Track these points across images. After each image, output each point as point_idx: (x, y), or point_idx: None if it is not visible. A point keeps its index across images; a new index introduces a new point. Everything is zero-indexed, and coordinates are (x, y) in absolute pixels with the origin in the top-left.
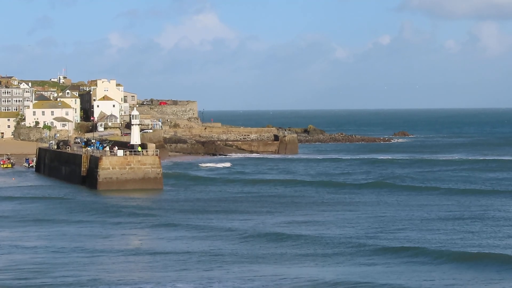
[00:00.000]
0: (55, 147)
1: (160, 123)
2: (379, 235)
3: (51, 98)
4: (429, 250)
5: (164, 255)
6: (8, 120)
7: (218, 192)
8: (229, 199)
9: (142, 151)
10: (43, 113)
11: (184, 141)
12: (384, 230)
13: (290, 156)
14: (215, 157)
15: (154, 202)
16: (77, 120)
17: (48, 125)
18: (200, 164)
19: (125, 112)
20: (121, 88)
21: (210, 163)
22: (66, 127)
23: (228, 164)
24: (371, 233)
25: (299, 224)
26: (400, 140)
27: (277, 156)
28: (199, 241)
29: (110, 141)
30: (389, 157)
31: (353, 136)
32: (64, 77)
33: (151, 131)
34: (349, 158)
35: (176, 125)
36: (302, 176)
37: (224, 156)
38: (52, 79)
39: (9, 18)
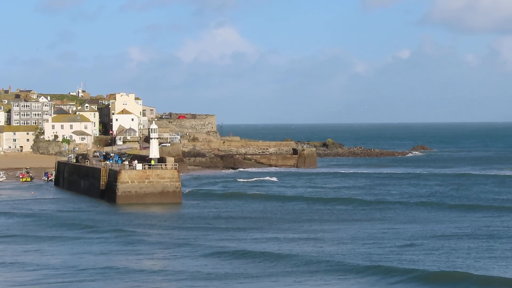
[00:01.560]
0: (74, 160)
1: (179, 136)
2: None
3: (70, 112)
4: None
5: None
6: (27, 133)
7: (243, 207)
8: (247, 215)
9: (161, 165)
10: (62, 126)
11: (203, 155)
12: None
13: (310, 170)
14: (252, 170)
15: (171, 218)
16: (96, 134)
17: (67, 138)
18: (238, 179)
19: (143, 126)
20: (140, 101)
21: (247, 178)
22: (85, 141)
23: (274, 179)
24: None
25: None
26: (418, 153)
27: (311, 170)
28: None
29: (129, 155)
30: (410, 171)
31: (372, 150)
32: (83, 91)
33: (169, 144)
34: (371, 172)
35: (195, 139)
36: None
37: (266, 170)
38: (71, 93)
39: (30, 33)
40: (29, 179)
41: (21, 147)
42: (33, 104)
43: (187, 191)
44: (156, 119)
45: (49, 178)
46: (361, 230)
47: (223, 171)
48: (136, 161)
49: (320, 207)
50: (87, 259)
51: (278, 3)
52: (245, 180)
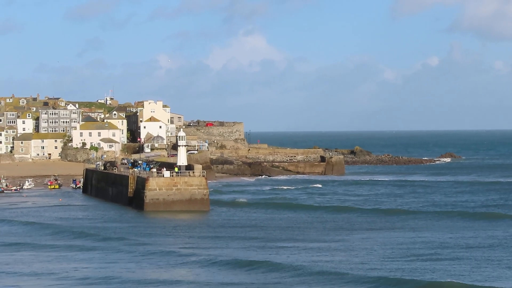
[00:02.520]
0: (102, 168)
1: (206, 144)
2: None
3: (98, 119)
4: None
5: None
6: (56, 141)
7: (264, 215)
8: (275, 224)
9: (189, 172)
10: (90, 134)
11: (231, 162)
12: None
13: (338, 178)
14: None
15: (199, 227)
16: (123, 141)
17: (95, 146)
18: (282, 187)
19: (171, 133)
20: (168, 109)
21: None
22: (113, 148)
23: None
24: None
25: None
26: (446, 161)
27: (339, 177)
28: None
29: (157, 162)
30: (438, 179)
31: (400, 158)
32: (111, 99)
33: (196, 152)
34: (399, 179)
35: (222, 146)
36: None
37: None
38: (99, 100)
39: (59, 40)
40: (57, 186)
41: (49, 154)
42: (61, 111)
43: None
44: (184, 127)
45: (77, 185)
46: (391, 239)
47: (251, 178)
48: (164, 169)
49: (348, 215)
50: (118, 270)
51: (307, 10)
52: (273, 188)
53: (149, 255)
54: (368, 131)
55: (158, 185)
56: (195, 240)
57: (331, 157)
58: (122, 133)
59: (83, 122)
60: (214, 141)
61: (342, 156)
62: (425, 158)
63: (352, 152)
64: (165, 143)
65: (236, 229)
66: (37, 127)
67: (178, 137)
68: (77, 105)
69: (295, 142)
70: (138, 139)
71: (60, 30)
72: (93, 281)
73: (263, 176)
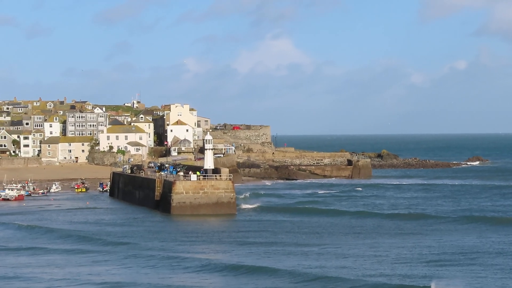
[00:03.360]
0: (129, 171)
1: (233, 147)
2: None
3: (125, 123)
4: None
5: None
6: (83, 144)
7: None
8: (304, 229)
9: (216, 176)
10: (117, 137)
11: (258, 166)
12: None
13: (365, 181)
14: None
15: (225, 231)
16: (150, 145)
17: (122, 149)
18: (309, 191)
19: (198, 137)
20: (195, 112)
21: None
22: (139, 152)
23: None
24: None
25: None
26: (473, 164)
27: (366, 181)
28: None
29: (184, 165)
30: (466, 182)
31: (427, 161)
32: (138, 102)
33: (223, 155)
34: (426, 183)
35: (249, 150)
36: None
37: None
38: (126, 104)
39: (88, 44)
40: (84, 190)
41: (76, 158)
42: (88, 115)
43: (243, 204)
44: (210, 130)
45: (104, 189)
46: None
47: (278, 182)
48: (191, 172)
49: (375, 220)
50: (146, 275)
51: (334, 14)
52: (301, 192)
53: (172, 259)
54: (395, 135)
55: (185, 189)
56: (220, 246)
57: (358, 161)
58: (149, 137)
59: (110, 126)
60: (241, 145)
61: (369, 160)
62: (453, 162)
63: (379, 156)
64: (192, 146)
65: (263, 233)
66: (64, 131)
67: (205, 141)
68: (104, 109)
69: (321, 146)
70: (165, 143)
71: (88, 34)
72: (118, 286)
73: (289, 180)
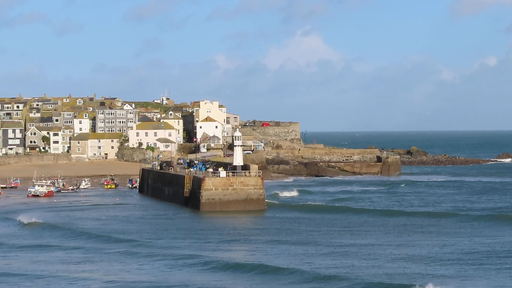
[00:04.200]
0: (158, 168)
1: (262, 144)
2: None
3: (154, 119)
4: None
5: None
6: (112, 141)
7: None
8: (336, 227)
9: (245, 172)
10: (146, 134)
11: (287, 162)
12: None
13: (394, 178)
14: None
15: (254, 229)
16: (180, 141)
17: (151, 146)
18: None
19: (227, 133)
20: (224, 109)
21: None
22: (169, 148)
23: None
24: None
25: None
26: (503, 161)
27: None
28: None
29: (213, 162)
30: (496, 180)
31: (457, 158)
32: (167, 99)
33: (252, 152)
34: (454, 180)
35: (278, 146)
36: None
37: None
38: (155, 101)
39: (118, 41)
40: (113, 186)
41: (106, 154)
42: (118, 111)
43: (272, 200)
44: (240, 127)
45: (134, 185)
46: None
47: (307, 178)
48: (221, 168)
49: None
50: (175, 276)
51: (365, 10)
52: (333, 190)
53: (199, 258)
54: (425, 131)
55: (214, 185)
56: (249, 245)
57: (388, 157)
58: (178, 133)
59: (140, 122)
60: (270, 141)
61: (398, 156)
62: (483, 159)
63: (409, 152)
64: (221, 143)
65: (293, 231)
66: (93, 127)
67: (234, 137)
68: (133, 105)
69: (350, 143)
70: (194, 139)
71: (118, 31)
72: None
73: (318, 177)
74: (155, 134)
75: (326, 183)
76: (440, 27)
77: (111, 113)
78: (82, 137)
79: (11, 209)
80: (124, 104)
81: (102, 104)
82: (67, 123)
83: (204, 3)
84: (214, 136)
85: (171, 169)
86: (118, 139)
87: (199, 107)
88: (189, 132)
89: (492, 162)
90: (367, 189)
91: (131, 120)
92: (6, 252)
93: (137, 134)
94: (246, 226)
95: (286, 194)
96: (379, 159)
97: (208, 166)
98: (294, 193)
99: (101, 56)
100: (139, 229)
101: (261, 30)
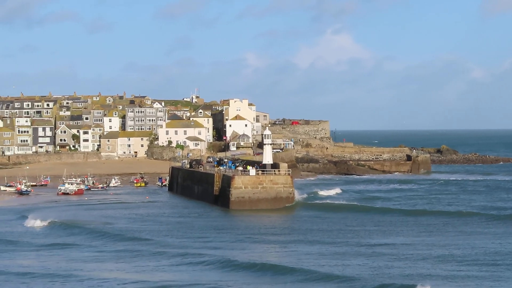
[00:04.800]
0: (188, 166)
1: (292, 142)
2: None
3: (184, 118)
4: None
5: None
6: (142, 139)
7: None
8: (371, 227)
9: (274, 171)
10: (176, 132)
11: (316, 161)
12: None
13: (424, 177)
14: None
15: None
16: (209, 140)
17: (181, 144)
18: (355, 186)
19: (257, 132)
20: (253, 107)
21: None
22: (198, 147)
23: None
24: None
25: None
26: None
27: (425, 177)
28: None
29: (242, 160)
30: None
31: (487, 157)
32: (197, 97)
33: (281, 150)
34: (486, 179)
35: (308, 145)
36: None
37: None
38: (185, 99)
39: (149, 39)
40: (143, 184)
41: (136, 152)
42: (148, 109)
43: (301, 196)
44: (269, 125)
45: (163, 184)
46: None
47: (336, 177)
48: (251, 167)
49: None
50: (206, 276)
51: (395, 8)
52: (363, 188)
53: (228, 261)
54: (456, 130)
55: (244, 183)
56: (278, 245)
57: (417, 156)
58: (208, 132)
59: (169, 121)
60: (299, 140)
61: (428, 155)
62: None
63: (439, 151)
64: (251, 141)
65: (322, 231)
66: (123, 125)
67: (263, 136)
68: (163, 103)
69: (380, 141)
70: (224, 138)
71: (149, 29)
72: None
73: (348, 175)
74: (185, 132)
75: (357, 181)
76: (471, 25)
77: (141, 112)
78: (112, 135)
79: (41, 207)
80: (154, 103)
81: (132, 102)
82: (97, 121)
83: (236, 2)
84: (243, 135)
85: (200, 167)
86: (147, 138)
87: (229, 105)
88: (219, 131)
89: None
90: (397, 187)
91: (161, 119)
92: (39, 250)
93: (167, 133)
94: (277, 225)
95: (324, 193)
96: (409, 157)
97: (237, 164)
98: (335, 191)
99: (132, 55)
100: (170, 228)
101: (292, 28)
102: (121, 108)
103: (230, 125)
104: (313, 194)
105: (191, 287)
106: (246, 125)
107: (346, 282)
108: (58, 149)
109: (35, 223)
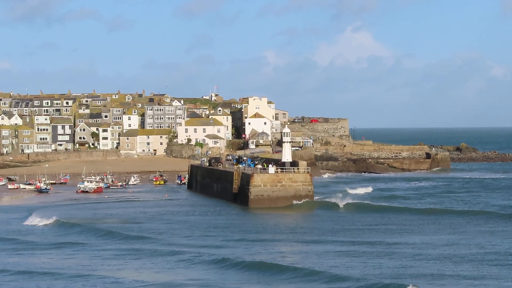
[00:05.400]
0: (207, 164)
1: (311, 140)
2: None
3: (203, 116)
4: None
5: None
6: (161, 137)
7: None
8: (391, 227)
9: (293, 169)
10: (195, 130)
11: (335, 159)
12: None
13: (444, 175)
14: None
15: (302, 227)
16: (228, 138)
17: (200, 142)
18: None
19: (276, 130)
20: (272, 105)
21: None
22: (217, 144)
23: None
24: None
25: None
26: None
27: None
28: None
29: (261, 158)
30: None
31: (507, 155)
32: (216, 95)
33: (300, 148)
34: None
35: (327, 143)
36: None
37: None
38: (204, 97)
39: (169, 37)
40: (162, 182)
41: (155, 150)
42: (167, 107)
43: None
44: (288, 123)
45: (182, 181)
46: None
47: (356, 175)
48: (271, 165)
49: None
50: (230, 277)
51: (415, 6)
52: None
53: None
54: (475, 128)
55: (263, 181)
56: (298, 245)
57: (437, 154)
58: (227, 129)
59: (188, 119)
60: (318, 138)
61: (447, 153)
62: None
63: (458, 149)
64: (270, 139)
65: (342, 231)
66: (142, 123)
67: (283, 134)
68: (182, 101)
69: (399, 139)
70: (243, 135)
71: (169, 27)
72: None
73: (367, 173)
74: (204, 130)
75: (378, 179)
76: (491, 23)
77: (160, 109)
78: (131, 133)
79: (60, 204)
80: (173, 100)
81: (151, 100)
82: (116, 119)
83: (254, 0)
84: (262, 133)
85: (219, 165)
86: (167, 135)
87: (248, 103)
88: (238, 129)
89: None
90: (417, 185)
91: (180, 116)
92: (59, 248)
93: (186, 131)
94: (297, 224)
95: (357, 191)
96: (428, 155)
97: (256, 162)
98: (367, 190)
99: (152, 52)
100: (190, 226)
101: (312, 26)
102: (140, 106)
103: (249, 123)
104: (342, 192)
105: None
106: (265, 123)
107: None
108: (77, 147)
109: (35, 221)
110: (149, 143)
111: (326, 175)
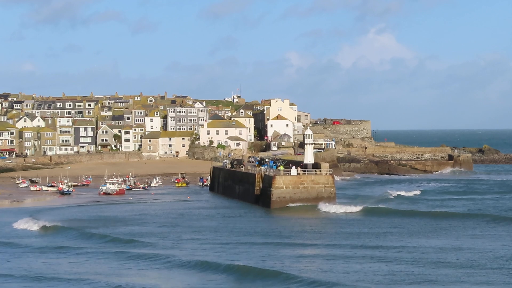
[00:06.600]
0: (229, 166)
1: (333, 142)
2: None
3: (225, 118)
4: None
5: None
6: (183, 139)
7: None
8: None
9: (316, 171)
10: (217, 132)
11: (358, 161)
12: None
13: (466, 177)
14: None
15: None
16: (250, 139)
17: (222, 144)
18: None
19: (298, 132)
20: (295, 107)
21: None
22: (240, 146)
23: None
24: None
25: None
26: None
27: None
28: None
29: (284, 160)
30: None
31: None
32: (238, 97)
33: (323, 150)
34: None
35: (349, 145)
36: None
37: None
38: (226, 99)
39: (193, 39)
40: (184, 184)
41: (177, 152)
42: (189, 109)
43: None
44: (310, 125)
45: (204, 183)
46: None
47: (379, 176)
48: (294, 167)
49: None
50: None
51: (440, 8)
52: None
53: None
54: (498, 130)
55: (285, 183)
56: (322, 249)
57: (459, 156)
58: (249, 131)
59: (210, 120)
60: (341, 139)
61: (470, 155)
62: None
63: (480, 151)
64: (292, 141)
65: (365, 234)
66: (164, 125)
67: (305, 135)
68: (204, 103)
69: (422, 141)
70: (265, 137)
71: (193, 29)
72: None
73: (389, 175)
74: (226, 132)
75: (402, 181)
76: None
77: (182, 112)
78: (153, 135)
79: (82, 206)
80: (195, 102)
81: (173, 102)
82: (138, 121)
83: (279, 1)
84: (285, 134)
85: (242, 167)
86: (189, 137)
87: (270, 105)
88: (260, 130)
89: None
90: (441, 187)
91: (202, 118)
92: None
93: (208, 132)
94: (320, 228)
95: (403, 193)
96: (450, 157)
97: (279, 164)
98: (414, 193)
99: (175, 54)
100: (215, 227)
101: (335, 28)
102: (162, 108)
103: (271, 125)
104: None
105: None
106: (287, 125)
107: None
108: (99, 149)
109: (24, 225)
110: (171, 145)
111: (347, 177)
